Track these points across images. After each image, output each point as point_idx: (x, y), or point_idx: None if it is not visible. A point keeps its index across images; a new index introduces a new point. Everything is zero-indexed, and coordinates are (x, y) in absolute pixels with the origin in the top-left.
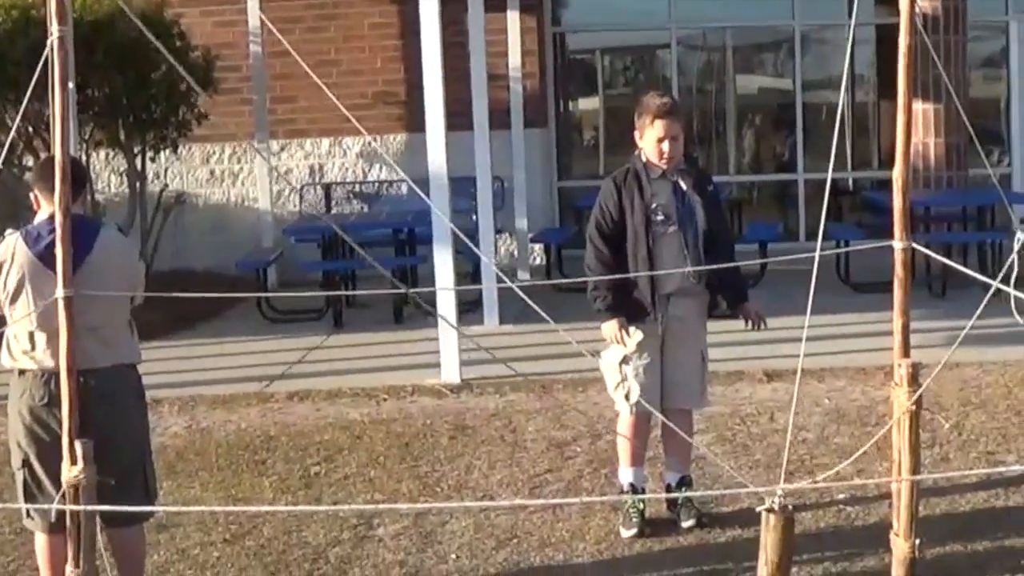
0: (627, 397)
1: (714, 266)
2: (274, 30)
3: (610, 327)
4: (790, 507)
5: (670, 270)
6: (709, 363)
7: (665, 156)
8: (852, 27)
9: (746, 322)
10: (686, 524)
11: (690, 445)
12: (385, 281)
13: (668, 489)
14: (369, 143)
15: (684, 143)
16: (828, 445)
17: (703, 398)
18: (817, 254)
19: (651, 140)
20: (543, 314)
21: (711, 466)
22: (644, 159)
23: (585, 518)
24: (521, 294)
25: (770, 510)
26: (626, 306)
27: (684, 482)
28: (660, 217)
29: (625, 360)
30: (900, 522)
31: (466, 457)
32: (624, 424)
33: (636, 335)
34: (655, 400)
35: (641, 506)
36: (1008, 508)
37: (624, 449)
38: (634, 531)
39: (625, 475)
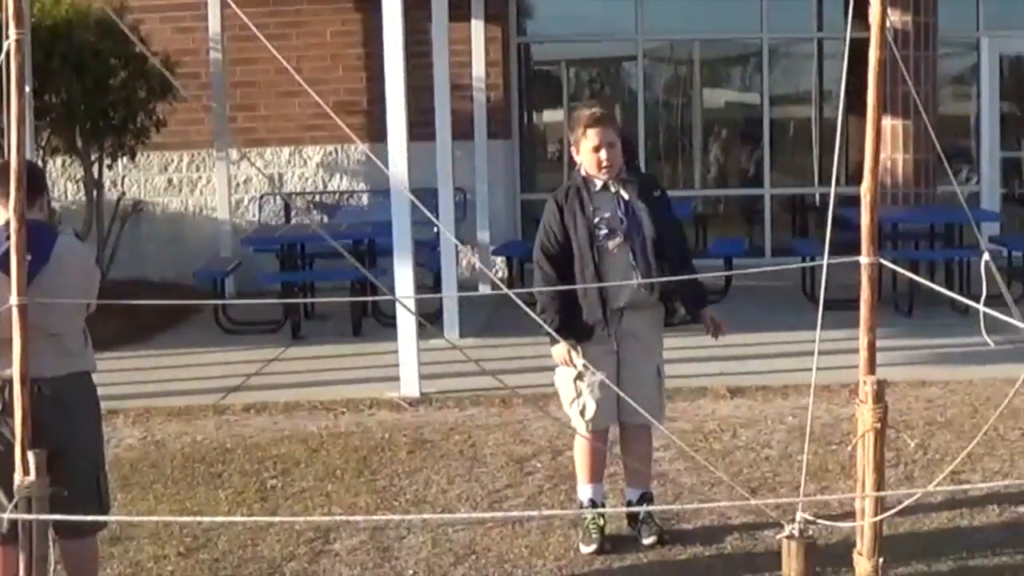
0: (582, 414)
1: (665, 278)
2: (249, 24)
3: (559, 351)
4: (810, 532)
5: (620, 283)
6: (671, 379)
7: (604, 164)
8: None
9: (706, 329)
10: (647, 541)
11: (650, 461)
12: (344, 292)
13: (628, 505)
14: (330, 153)
15: (624, 151)
16: (791, 462)
17: (661, 413)
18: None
19: (587, 151)
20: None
21: (672, 483)
22: (584, 173)
23: (544, 534)
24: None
25: (791, 537)
26: (576, 327)
27: (644, 498)
28: (604, 231)
29: (579, 376)
30: (864, 541)
31: (425, 472)
32: (580, 441)
33: (587, 354)
34: (611, 416)
35: (601, 522)
36: (973, 528)
37: (582, 466)
38: (593, 547)
39: (584, 492)
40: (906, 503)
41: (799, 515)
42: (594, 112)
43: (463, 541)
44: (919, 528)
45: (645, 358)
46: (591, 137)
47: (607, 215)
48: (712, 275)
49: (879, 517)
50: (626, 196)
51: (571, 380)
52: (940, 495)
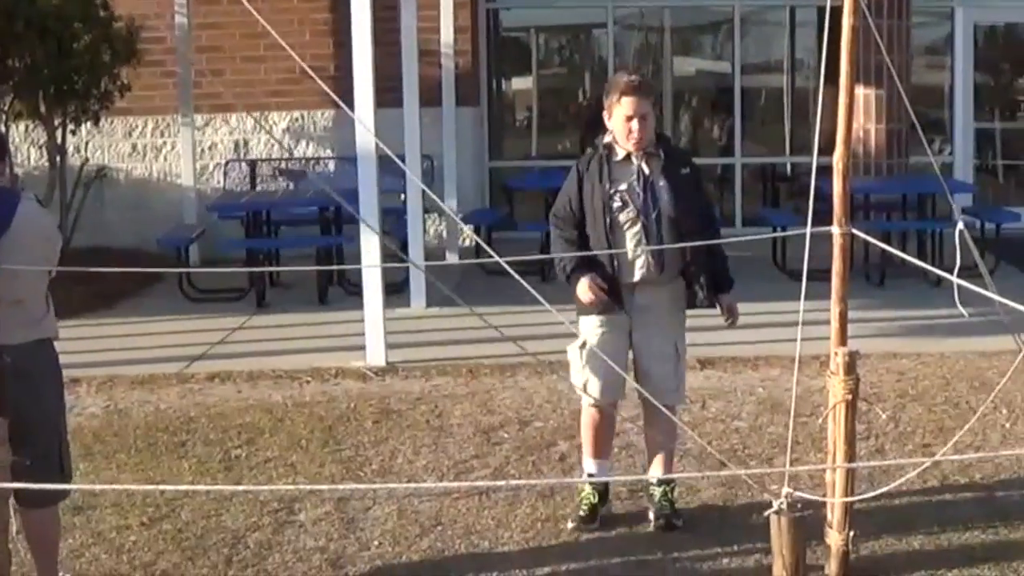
0: (585, 385)
1: (674, 258)
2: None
3: (582, 285)
4: (799, 506)
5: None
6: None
7: (633, 136)
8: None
9: (723, 312)
10: (654, 524)
11: (669, 443)
12: (310, 261)
13: (648, 489)
14: (297, 119)
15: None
16: (761, 434)
17: (678, 393)
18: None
19: (619, 119)
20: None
21: (641, 453)
22: (609, 140)
23: (511, 505)
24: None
25: (779, 512)
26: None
27: (663, 481)
28: (618, 203)
29: (584, 346)
30: (834, 514)
31: (391, 442)
32: (585, 414)
33: (596, 326)
34: (616, 390)
35: (594, 499)
36: (944, 503)
37: (586, 439)
38: (572, 524)
39: (588, 465)
40: (888, 487)
41: (785, 490)
42: (632, 80)
43: (429, 512)
44: (890, 503)
45: (661, 335)
46: (625, 105)
47: (624, 187)
48: (680, 245)
49: (858, 497)
50: (647, 171)
51: (578, 351)
52: (912, 469)
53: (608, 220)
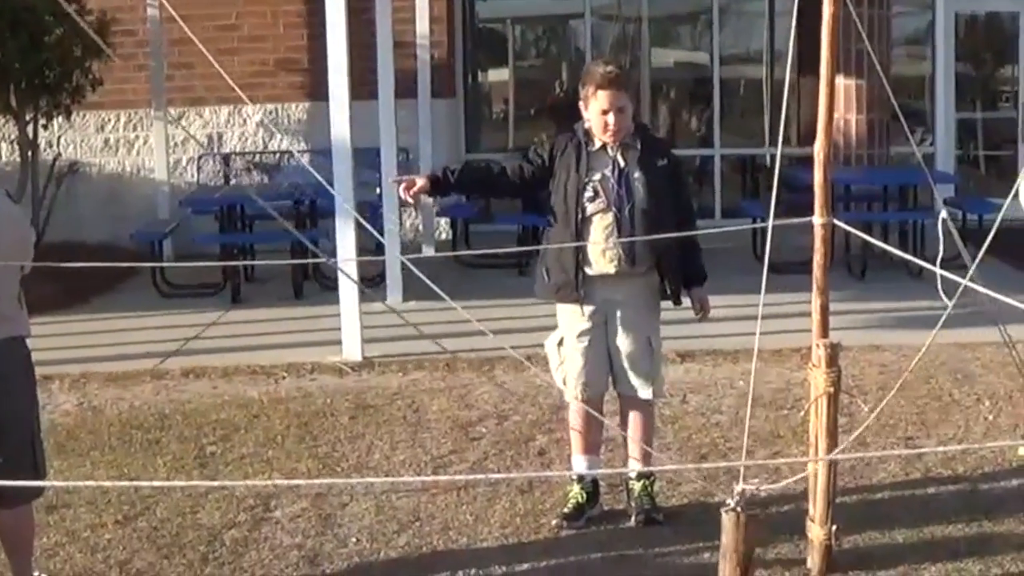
0: (564, 382)
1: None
2: None
3: (421, 178)
4: (754, 505)
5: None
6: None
7: (609, 129)
8: None
9: (693, 307)
10: (634, 520)
11: (645, 437)
12: (285, 255)
13: (627, 484)
14: (271, 113)
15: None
16: (742, 428)
17: (653, 387)
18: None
19: (595, 112)
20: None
21: (621, 448)
22: (586, 127)
23: (490, 501)
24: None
25: (733, 510)
26: (556, 284)
27: (643, 476)
28: (589, 194)
29: (562, 343)
30: (816, 507)
31: (367, 437)
32: (570, 410)
33: (569, 320)
34: (599, 385)
35: (581, 498)
36: (927, 496)
37: (573, 436)
38: (556, 521)
39: (577, 463)
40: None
41: (739, 487)
42: (609, 72)
43: (407, 508)
44: (872, 496)
45: (634, 329)
46: (601, 99)
47: (598, 178)
48: (659, 236)
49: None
50: (623, 163)
51: (555, 347)
52: (894, 462)
53: (579, 210)
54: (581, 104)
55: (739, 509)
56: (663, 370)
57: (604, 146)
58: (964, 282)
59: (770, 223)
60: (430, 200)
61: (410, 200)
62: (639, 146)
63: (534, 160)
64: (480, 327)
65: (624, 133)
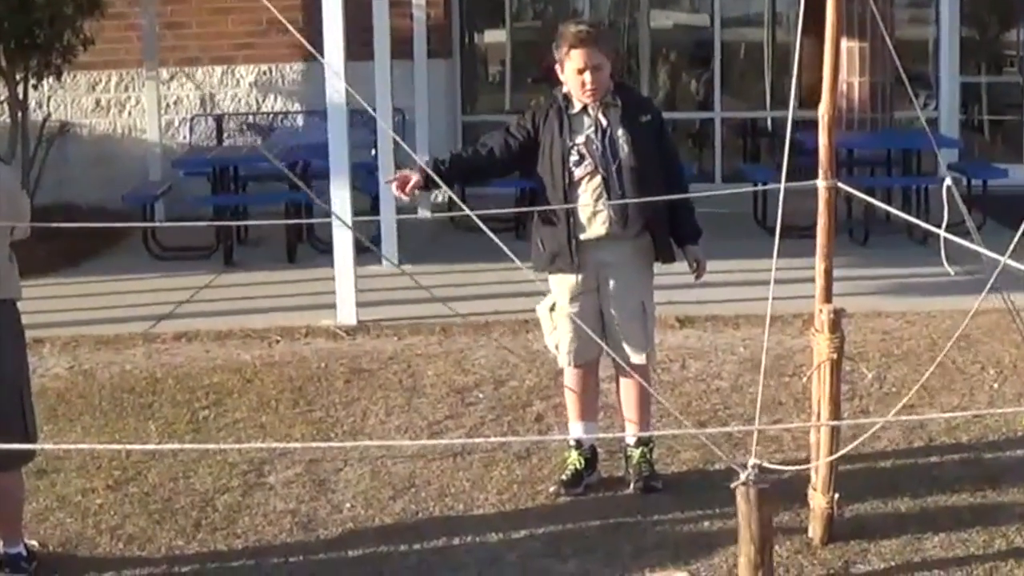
0: (557, 348)
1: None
2: None
3: (415, 173)
4: (764, 478)
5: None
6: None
7: (587, 89)
8: None
9: (689, 264)
10: (633, 487)
11: (641, 403)
12: (278, 218)
13: (626, 451)
14: (264, 73)
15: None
16: (743, 394)
17: (647, 352)
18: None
19: (570, 72)
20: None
21: (619, 414)
22: (566, 91)
23: (487, 467)
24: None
25: (745, 484)
26: (551, 253)
27: (641, 443)
28: (575, 158)
29: (553, 308)
30: (818, 475)
31: (362, 402)
32: (565, 376)
33: (561, 286)
34: (591, 349)
35: (579, 464)
36: (930, 464)
37: (568, 401)
38: (553, 488)
39: (573, 428)
40: (861, 438)
41: (751, 461)
42: (580, 30)
43: (402, 474)
44: (875, 465)
45: (626, 293)
46: (575, 58)
47: (581, 140)
48: (652, 199)
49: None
50: (605, 122)
51: (547, 312)
52: (897, 430)
53: (567, 175)
54: (557, 67)
55: (749, 482)
56: (656, 334)
57: (585, 108)
58: (971, 246)
59: (782, 185)
60: (428, 193)
61: (405, 197)
62: (620, 104)
63: (518, 133)
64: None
65: (603, 91)
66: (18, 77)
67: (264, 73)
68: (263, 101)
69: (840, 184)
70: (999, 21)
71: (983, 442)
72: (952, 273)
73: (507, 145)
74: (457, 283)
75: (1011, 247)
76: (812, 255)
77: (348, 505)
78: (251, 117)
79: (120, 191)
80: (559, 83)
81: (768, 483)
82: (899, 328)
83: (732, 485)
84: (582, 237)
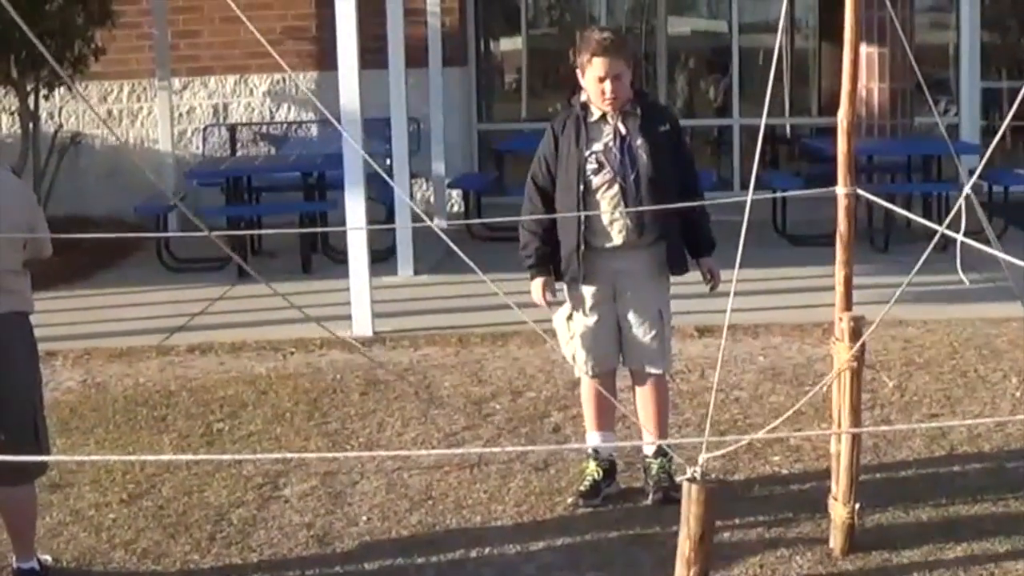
0: (574, 358)
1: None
2: None
3: (534, 287)
4: (713, 476)
5: (607, 224)
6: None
7: (607, 98)
8: None
9: (703, 276)
10: (652, 498)
11: (658, 412)
12: (293, 228)
13: (644, 461)
14: (278, 82)
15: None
16: (763, 404)
17: (664, 361)
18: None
19: (591, 79)
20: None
21: (634, 425)
22: (585, 99)
23: (504, 479)
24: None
25: (692, 480)
26: (557, 263)
27: (660, 453)
28: (593, 166)
29: (571, 318)
30: (839, 485)
31: (378, 414)
32: (583, 385)
33: (578, 295)
34: (609, 359)
35: (597, 475)
36: (953, 474)
37: (586, 411)
38: (571, 499)
39: (591, 439)
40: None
41: (702, 457)
42: (604, 38)
43: (419, 486)
44: (896, 474)
45: (643, 301)
46: (597, 66)
47: (599, 148)
48: (678, 206)
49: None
50: (624, 130)
51: (564, 321)
52: (919, 439)
53: (582, 184)
54: (578, 72)
55: (696, 479)
56: (675, 344)
57: (604, 116)
58: (992, 252)
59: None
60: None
61: (546, 304)
62: (639, 113)
63: (545, 170)
64: (507, 300)
65: (623, 100)
66: (29, 88)
67: (277, 82)
68: (276, 111)
69: (860, 191)
70: (1020, 26)
71: (1006, 451)
72: (967, 283)
73: (544, 193)
74: (472, 293)
75: None
76: (831, 263)
77: (364, 518)
78: (264, 127)
79: (133, 202)
80: (575, 88)
81: (714, 482)
82: (920, 336)
83: (680, 478)
84: (596, 245)
